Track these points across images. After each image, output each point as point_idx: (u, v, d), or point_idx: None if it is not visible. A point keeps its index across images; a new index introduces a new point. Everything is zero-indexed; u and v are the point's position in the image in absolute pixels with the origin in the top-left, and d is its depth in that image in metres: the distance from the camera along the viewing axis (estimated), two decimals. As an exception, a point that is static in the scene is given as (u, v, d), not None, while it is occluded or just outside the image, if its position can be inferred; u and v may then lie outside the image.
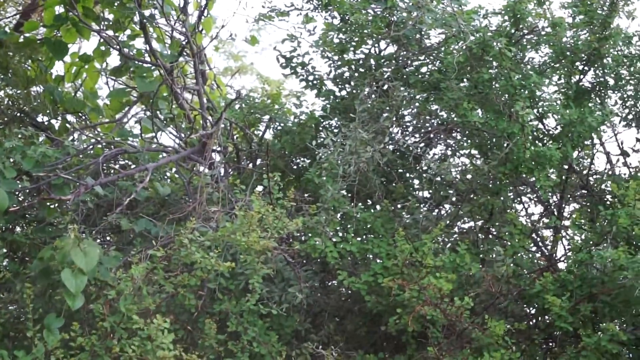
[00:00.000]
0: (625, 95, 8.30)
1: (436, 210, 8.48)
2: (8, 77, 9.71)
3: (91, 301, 6.44)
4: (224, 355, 6.88)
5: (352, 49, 8.43)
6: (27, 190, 7.58)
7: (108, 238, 7.93)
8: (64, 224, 7.24)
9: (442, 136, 8.50)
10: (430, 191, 8.47)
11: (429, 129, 8.43)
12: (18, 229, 8.28)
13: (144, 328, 6.03)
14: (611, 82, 8.16)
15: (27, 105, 9.68)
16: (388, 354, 7.18)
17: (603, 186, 8.42)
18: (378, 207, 8.07)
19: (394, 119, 8.18)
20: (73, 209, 7.42)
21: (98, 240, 7.42)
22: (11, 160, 7.12)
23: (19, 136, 8.30)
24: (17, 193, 7.32)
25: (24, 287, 6.75)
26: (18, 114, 9.62)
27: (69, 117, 9.79)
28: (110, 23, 9.33)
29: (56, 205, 7.76)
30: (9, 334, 7.38)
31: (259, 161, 8.76)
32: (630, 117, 8.40)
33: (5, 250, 7.99)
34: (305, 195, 7.97)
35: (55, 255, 6.43)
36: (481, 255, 7.63)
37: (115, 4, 8.89)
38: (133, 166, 8.16)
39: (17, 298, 7.34)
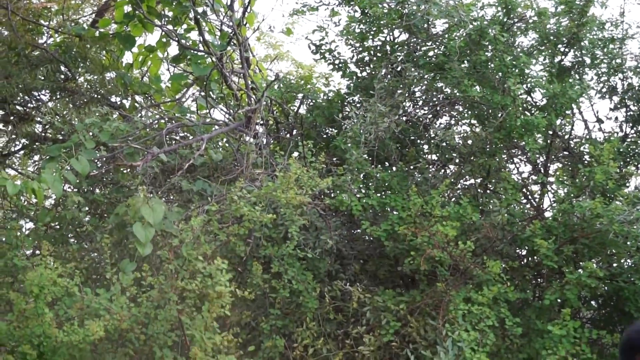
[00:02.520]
0: (599, 72, 8.28)
1: (442, 170, 8.47)
2: (87, 65, 9.75)
3: (158, 248, 6.51)
4: (268, 291, 6.94)
5: (370, 37, 8.41)
6: (104, 158, 7.63)
7: (171, 197, 7.98)
8: (135, 185, 7.32)
9: (446, 108, 8.49)
10: (437, 154, 8.45)
11: (436, 102, 8.42)
12: (97, 190, 8.35)
13: (205, 268, 6.08)
14: (588, 61, 8.14)
15: (102, 88, 9.73)
16: (404, 290, 7.21)
17: (582, 148, 8.39)
18: (394, 168, 8.07)
19: (407, 94, 8.19)
20: (142, 173, 7.48)
21: (163, 199, 7.48)
22: (91, 133, 7.17)
23: (97, 114, 8.36)
24: (96, 161, 7.38)
25: (103, 237, 6.84)
26: (95, 96, 9.67)
27: (137, 98, 9.83)
28: (170, 19, 9.34)
29: (128, 170, 7.83)
30: (92, 276, 7.48)
31: (294, 131, 8.77)
32: (604, 90, 8.38)
33: (87, 208, 8.07)
34: (334, 159, 7.99)
35: (128, 211, 6.50)
36: (480, 207, 7.63)
37: (174, 2, 8.91)
38: (191, 137, 8.20)
39: (97, 247, 7.42)
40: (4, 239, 7.32)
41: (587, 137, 8.50)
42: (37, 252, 7.70)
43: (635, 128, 8.35)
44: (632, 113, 8.35)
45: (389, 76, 8.12)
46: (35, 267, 6.03)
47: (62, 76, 9.71)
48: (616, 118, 8.45)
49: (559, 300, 6.78)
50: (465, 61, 7.76)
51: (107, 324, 5.91)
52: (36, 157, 10.43)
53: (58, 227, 7.91)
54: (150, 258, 6.62)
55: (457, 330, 6.39)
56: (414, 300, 6.90)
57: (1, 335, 5.80)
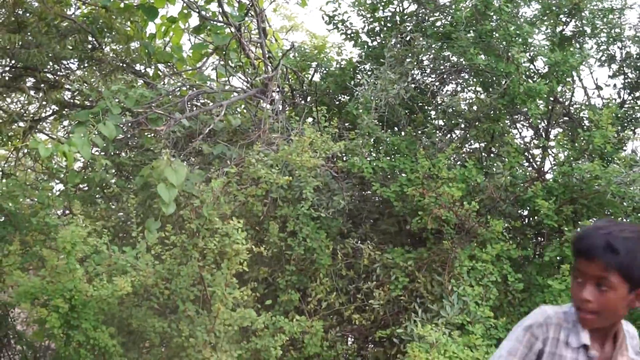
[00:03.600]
0: (599, 41, 8.21)
1: (449, 135, 8.45)
2: (112, 35, 9.74)
3: (181, 208, 6.53)
4: (284, 249, 6.96)
5: (381, 8, 8.36)
6: (130, 123, 7.64)
7: (192, 160, 7.98)
8: (158, 149, 7.33)
9: (453, 76, 8.45)
10: (444, 120, 8.44)
11: (443, 70, 8.36)
12: (123, 153, 8.37)
13: (223, 227, 6.11)
14: (588, 30, 8.06)
15: (127, 57, 9.72)
16: (412, 247, 7.21)
17: (581, 114, 8.35)
18: (403, 132, 8.05)
19: (415, 63, 8.15)
20: (165, 137, 7.49)
21: (185, 162, 7.49)
22: (117, 100, 7.17)
23: (122, 81, 8.36)
24: (122, 125, 7.38)
25: (129, 198, 6.86)
26: (121, 64, 9.66)
27: (160, 66, 9.81)
28: (191, -10, 9.32)
29: (152, 134, 7.84)
30: (119, 235, 7.51)
31: (309, 98, 8.75)
32: (603, 58, 8.32)
33: (114, 170, 8.10)
34: (346, 124, 7.98)
35: (152, 173, 6.51)
36: (485, 169, 7.61)
37: (195, -25, 8.92)
38: (211, 104, 8.19)
39: (124, 207, 7.44)
40: (36, 200, 7.36)
41: (587, 103, 8.46)
42: (67, 211, 7.74)
43: (632, 94, 8.32)
44: (629, 80, 8.30)
45: (398, 45, 8.08)
46: (66, 225, 6.06)
47: (90, 46, 9.69)
48: (614, 85, 8.41)
49: (558, 257, 6.78)
50: (471, 31, 7.71)
51: (134, 280, 5.95)
52: (66, 123, 10.43)
53: (87, 188, 7.95)
54: (173, 217, 6.64)
55: (462, 286, 6.41)
56: (421, 257, 6.91)
57: (35, 289, 5.85)
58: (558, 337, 3.17)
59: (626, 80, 8.33)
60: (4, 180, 8.06)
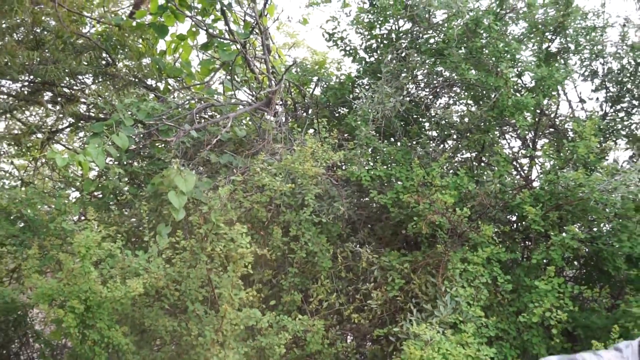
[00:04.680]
0: (582, 57, 8.23)
1: (441, 145, 8.45)
2: (125, 52, 9.76)
3: (190, 214, 6.54)
4: (287, 252, 6.97)
5: (378, 26, 8.38)
6: (142, 135, 7.65)
7: (201, 169, 7.99)
8: (168, 158, 7.35)
9: (445, 90, 8.47)
10: (437, 131, 8.45)
11: (436, 84, 8.39)
12: (136, 163, 8.38)
13: (228, 233, 6.11)
14: (572, 47, 8.08)
15: (139, 72, 9.74)
16: (407, 251, 7.22)
17: (566, 125, 8.37)
18: (399, 143, 8.06)
19: (410, 77, 8.15)
20: (175, 147, 7.50)
21: (194, 170, 7.49)
22: (129, 112, 7.18)
23: (134, 95, 8.39)
24: (134, 136, 7.39)
25: (141, 204, 6.87)
26: (133, 79, 9.68)
27: (170, 81, 9.84)
28: (199, 10, 9.33)
29: (163, 145, 7.85)
30: (131, 239, 7.51)
31: (310, 111, 8.77)
32: (586, 74, 8.33)
33: (126, 179, 8.11)
34: (345, 134, 7.99)
35: (163, 181, 6.52)
36: (475, 178, 7.61)
37: (202, -5, 8.96)
38: (218, 116, 8.20)
39: (136, 213, 7.46)
40: (53, 206, 7.36)
41: (571, 115, 8.47)
42: (83, 217, 7.75)
43: (614, 107, 8.32)
44: (611, 94, 8.31)
45: (394, 61, 8.09)
46: (81, 231, 6.06)
47: (104, 62, 9.71)
48: (597, 98, 8.42)
49: (544, 260, 6.78)
50: (463, 47, 7.73)
51: (146, 282, 5.95)
52: (81, 134, 10.45)
53: (101, 195, 7.95)
54: (183, 223, 6.65)
55: (454, 287, 6.41)
56: (416, 260, 6.91)
57: (52, 291, 5.85)
58: None
59: (608, 94, 8.34)
60: (23, 189, 8.06)
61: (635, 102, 8.20)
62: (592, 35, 8.01)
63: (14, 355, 8.50)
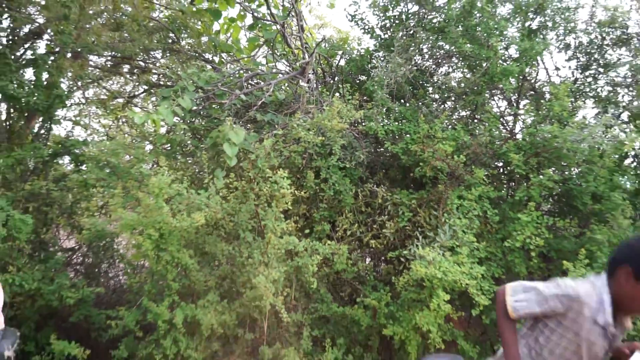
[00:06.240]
0: (558, 33, 8.10)
1: (442, 105, 8.39)
2: (187, 32, 9.73)
3: (241, 161, 6.57)
4: (318, 192, 6.99)
5: (391, 8, 8.29)
6: (201, 98, 7.65)
7: (249, 125, 7.99)
8: (223, 117, 7.35)
9: (446, 60, 8.37)
10: (439, 94, 8.38)
11: (438, 56, 8.30)
12: (196, 121, 8.40)
13: (271, 176, 6.13)
14: (550, 25, 7.96)
15: (199, 48, 9.72)
16: (415, 190, 7.21)
17: (544, 89, 8.27)
18: (408, 104, 8.01)
19: (417, 51, 8.07)
20: (228, 108, 7.51)
21: (243, 127, 7.50)
22: (191, 80, 7.18)
23: (195, 67, 8.36)
24: (195, 100, 7.40)
25: (201, 154, 6.92)
26: (194, 54, 9.67)
27: (224, 55, 9.80)
28: (246, -3, 9.30)
29: (218, 106, 7.85)
30: (194, 181, 7.57)
31: (336, 78, 8.70)
32: (561, 46, 8.21)
33: (190, 134, 8.14)
34: (364, 97, 7.93)
35: (219, 135, 6.53)
36: (470, 131, 7.56)
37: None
38: (262, 83, 8.16)
39: (197, 160, 7.50)
40: (132, 156, 7.42)
41: (548, 80, 8.37)
42: (156, 164, 7.81)
43: (583, 74, 8.21)
44: (581, 63, 8.20)
45: (404, 37, 8.01)
46: (155, 174, 6.12)
47: (170, 40, 9.69)
48: (569, 67, 8.31)
49: (525, 197, 6.74)
50: (460, 25, 7.62)
51: (206, 215, 6.02)
52: (153, 98, 10.48)
53: (170, 147, 7.99)
54: (235, 168, 6.68)
55: (452, 218, 6.42)
56: (422, 197, 6.91)
57: (133, 222, 5.92)
58: (590, 315, 3.15)
59: (578, 63, 8.23)
60: (108, 142, 8.12)
61: (601, 70, 8.09)
62: (567, 14, 7.89)
63: (104, 273, 8.67)
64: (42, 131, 8.40)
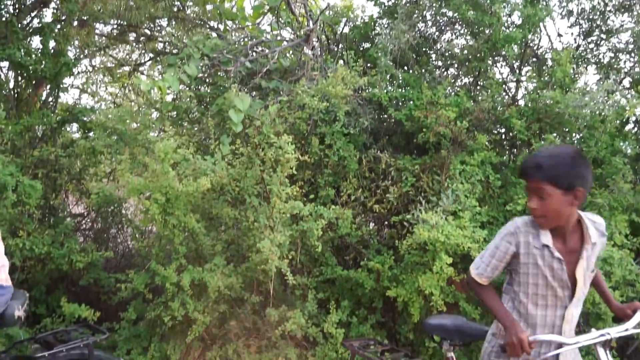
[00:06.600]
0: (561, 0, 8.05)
1: (445, 72, 8.32)
2: (193, 0, 9.64)
3: (246, 127, 6.51)
4: (323, 157, 6.96)
5: (394, -24, 8.20)
6: (207, 65, 7.57)
7: (254, 93, 7.92)
8: (228, 84, 7.29)
9: (449, 27, 8.27)
10: (442, 61, 8.30)
11: (441, 23, 8.20)
12: (202, 88, 8.33)
13: (276, 142, 6.10)
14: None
15: (204, 16, 9.63)
16: (418, 156, 7.16)
17: (546, 55, 8.18)
18: (411, 70, 7.93)
19: (420, 17, 7.97)
20: (233, 75, 7.43)
21: (248, 93, 7.43)
22: (197, 48, 7.11)
23: (200, 34, 8.27)
24: (201, 67, 7.32)
25: (207, 120, 6.86)
26: (199, 22, 9.59)
27: (229, 23, 9.69)
28: (250, -35, 9.17)
29: (223, 73, 7.78)
30: (200, 147, 7.51)
31: (340, 45, 8.60)
32: (563, 13, 8.12)
33: (195, 100, 8.08)
34: (368, 64, 7.84)
35: (224, 102, 6.49)
36: (473, 97, 7.50)
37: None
38: (267, 50, 8.07)
39: (203, 127, 7.44)
40: (139, 122, 7.38)
41: (551, 47, 8.27)
42: (162, 131, 7.77)
43: (585, 40, 8.13)
44: (583, 29, 8.12)
45: (407, 4, 7.90)
46: (161, 141, 6.08)
47: (175, 8, 9.59)
48: (572, 33, 8.33)
49: (527, 162, 6.71)
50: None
51: (212, 180, 5.99)
52: (159, 66, 10.41)
53: (176, 114, 7.93)
54: (241, 134, 6.64)
55: (455, 183, 6.38)
56: (425, 163, 6.87)
57: (141, 187, 5.91)
58: (527, 240, 3.32)
59: (581, 29, 8.15)
60: (115, 110, 8.07)
61: (603, 36, 8.01)
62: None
63: (113, 238, 8.68)
64: (50, 99, 8.35)
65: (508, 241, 3.34)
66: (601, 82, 7.11)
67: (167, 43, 9.91)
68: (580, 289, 3.29)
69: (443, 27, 8.26)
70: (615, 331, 3.28)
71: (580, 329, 5.05)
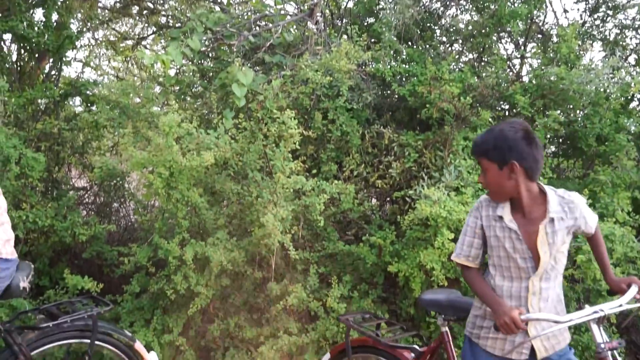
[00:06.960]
0: (568, -26, 7.98)
1: (450, 47, 8.27)
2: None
3: (249, 102, 6.50)
4: (326, 132, 6.95)
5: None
6: (210, 39, 7.54)
7: (257, 67, 7.89)
8: (232, 58, 7.25)
9: (454, 2, 8.22)
10: (447, 36, 8.25)
11: (446, -2, 8.19)
12: (205, 62, 8.30)
13: (279, 116, 6.09)
14: (559, -34, 7.81)
15: (208, -10, 9.59)
16: (421, 131, 7.15)
17: (552, 31, 8.14)
18: (415, 46, 7.89)
19: (425, -8, 7.95)
20: (236, 49, 7.41)
21: (251, 68, 7.40)
22: (200, 21, 7.07)
23: (204, 8, 8.23)
24: (204, 41, 7.30)
25: (210, 94, 6.85)
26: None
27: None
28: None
29: (227, 47, 7.75)
30: (204, 122, 7.51)
31: (344, 20, 8.56)
32: (570, -12, 8.09)
33: (199, 74, 8.05)
34: (372, 39, 7.80)
35: (228, 76, 6.47)
36: (477, 73, 7.46)
37: None
38: (270, 24, 8.03)
39: (206, 101, 7.43)
40: (142, 96, 7.37)
41: (556, 23, 8.23)
42: (166, 104, 7.77)
43: (591, 16, 8.06)
44: (589, 5, 8.05)
45: (412, -21, 7.86)
46: (165, 115, 6.08)
47: (179, -19, 9.56)
48: (578, 9, 8.26)
49: (530, 138, 6.70)
50: (469, -34, 7.48)
51: (216, 154, 5.99)
52: (162, 40, 10.38)
53: (179, 88, 7.92)
54: (244, 109, 6.63)
55: (457, 159, 6.38)
56: (428, 138, 6.86)
57: (144, 160, 5.92)
58: (488, 214, 3.50)
59: (587, 5, 8.08)
60: (118, 83, 8.05)
61: (610, 12, 7.94)
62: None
63: (115, 211, 8.71)
64: (53, 72, 8.33)
65: (475, 216, 3.51)
66: (606, 59, 7.08)
67: (170, 16, 9.86)
68: (545, 262, 3.31)
69: (448, 2, 8.21)
70: (609, 307, 3.28)
71: (580, 306, 5.08)
